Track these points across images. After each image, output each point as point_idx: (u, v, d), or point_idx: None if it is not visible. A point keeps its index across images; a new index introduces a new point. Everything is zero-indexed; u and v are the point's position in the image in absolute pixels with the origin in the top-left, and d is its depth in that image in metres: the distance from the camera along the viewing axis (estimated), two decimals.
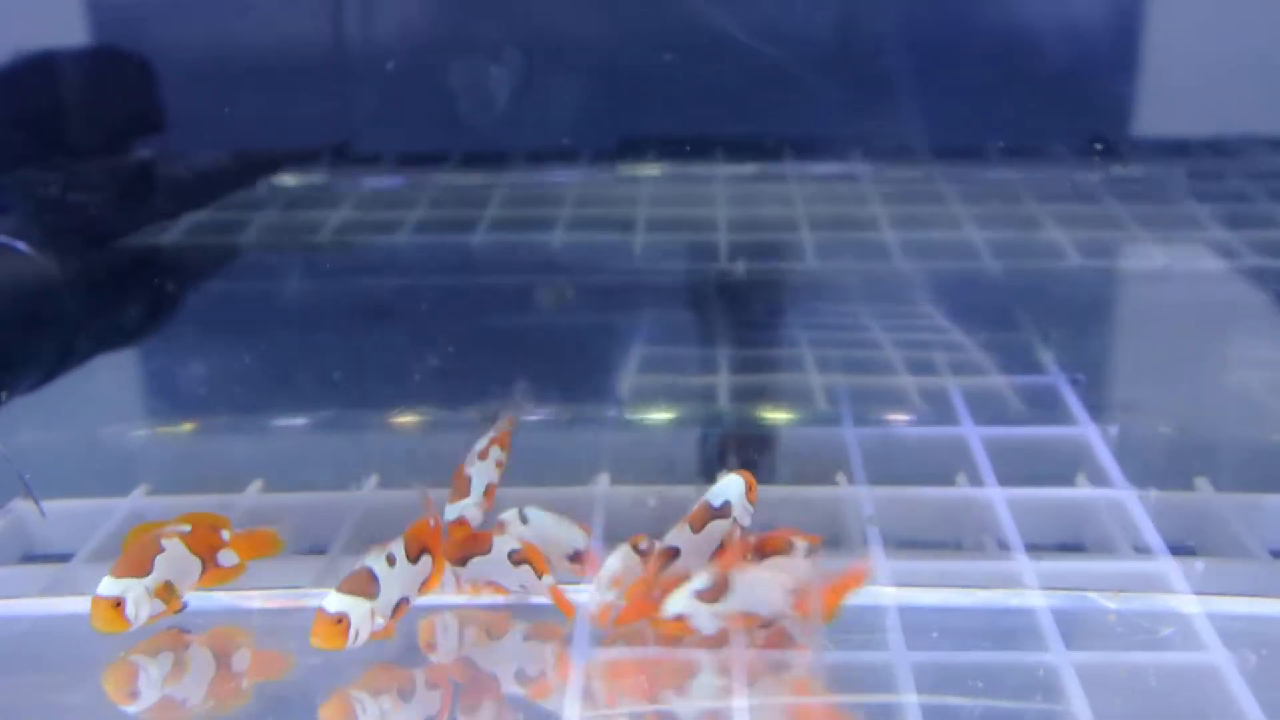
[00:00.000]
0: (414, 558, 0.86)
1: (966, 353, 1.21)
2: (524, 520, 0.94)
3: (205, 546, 0.91)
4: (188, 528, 0.91)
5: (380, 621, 0.82)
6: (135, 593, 0.86)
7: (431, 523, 0.88)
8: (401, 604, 0.85)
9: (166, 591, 0.88)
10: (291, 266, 1.39)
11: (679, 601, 0.83)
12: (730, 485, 0.90)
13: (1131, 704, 0.81)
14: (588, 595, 0.88)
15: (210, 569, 0.91)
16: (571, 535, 0.94)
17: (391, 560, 0.84)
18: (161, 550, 0.88)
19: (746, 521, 0.90)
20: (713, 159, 1.33)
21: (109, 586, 0.85)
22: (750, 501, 0.90)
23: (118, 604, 0.85)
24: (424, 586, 0.87)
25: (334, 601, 0.81)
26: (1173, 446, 1.13)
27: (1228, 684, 0.81)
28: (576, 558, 0.93)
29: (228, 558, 0.92)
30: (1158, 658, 0.85)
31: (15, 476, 1.08)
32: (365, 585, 0.82)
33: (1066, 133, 1.26)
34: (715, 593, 0.83)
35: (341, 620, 0.80)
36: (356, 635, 0.81)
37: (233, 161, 1.60)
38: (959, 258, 1.25)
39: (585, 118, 1.30)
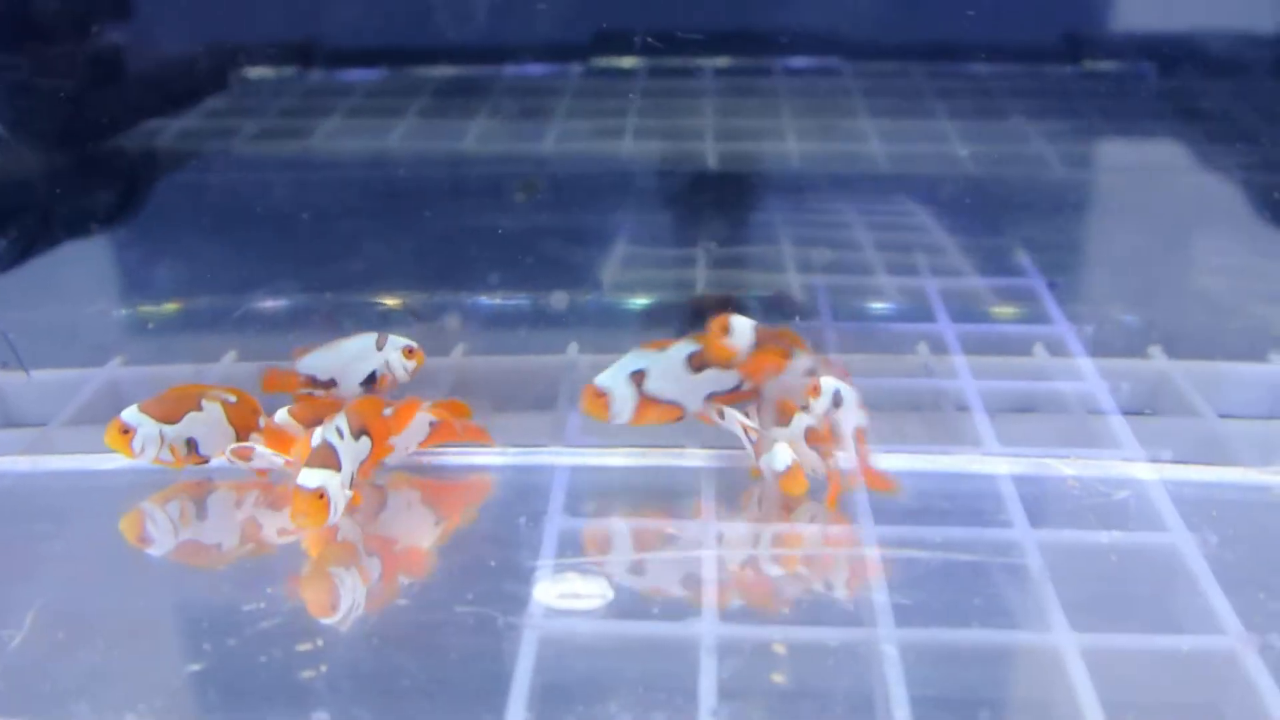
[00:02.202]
0: (355, 434, 0.85)
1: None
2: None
3: (242, 423, 0.92)
4: (234, 399, 0.92)
5: (348, 492, 0.83)
6: (147, 431, 0.89)
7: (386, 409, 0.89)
8: (354, 478, 0.85)
9: (184, 448, 0.90)
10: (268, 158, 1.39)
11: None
12: None
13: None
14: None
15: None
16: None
17: (340, 434, 0.84)
18: (199, 409, 0.91)
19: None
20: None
21: (129, 414, 0.89)
22: None
23: (126, 431, 0.89)
24: (363, 467, 0.87)
25: (312, 476, 0.81)
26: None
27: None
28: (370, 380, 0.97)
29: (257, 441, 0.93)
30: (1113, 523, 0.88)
31: None
32: (330, 457, 0.82)
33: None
34: None
35: (323, 496, 0.81)
36: (335, 508, 0.82)
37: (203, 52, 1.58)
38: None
39: None
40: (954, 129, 1.27)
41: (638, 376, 0.87)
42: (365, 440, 0.86)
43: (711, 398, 0.89)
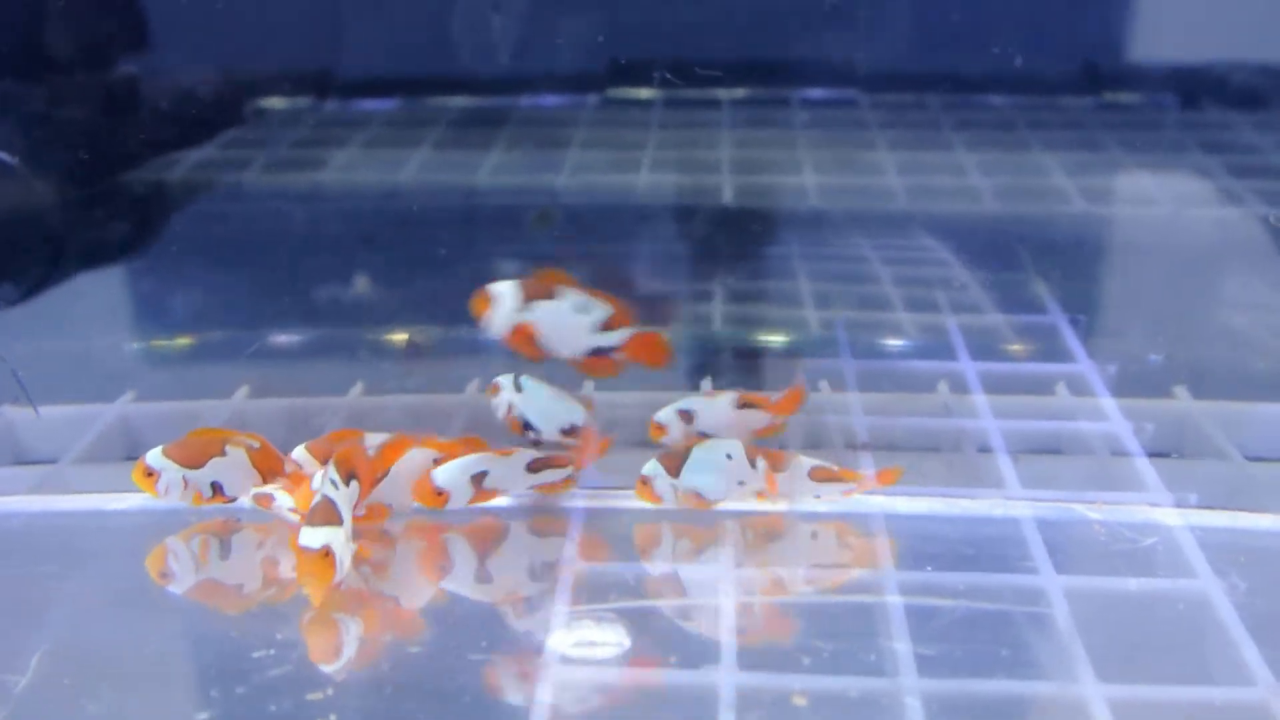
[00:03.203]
0: (345, 480, 0.84)
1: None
2: (519, 389, 0.95)
3: (267, 467, 0.91)
4: (257, 444, 0.91)
5: (352, 545, 0.82)
6: (171, 477, 0.88)
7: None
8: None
9: (208, 491, 0.90)
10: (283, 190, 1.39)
11: None
12: None
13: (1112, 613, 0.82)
14: None
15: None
16: (570, 410, 0.95)
17: (335, 484, 0.83)
18: (223, 454, 0.90)
19: None
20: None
21: (153, 458, 0.89)
22: None
23: (150, 474, 0.88)
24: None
25: (312, 536, 0.80)
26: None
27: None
28: (572, 432, 0.95)
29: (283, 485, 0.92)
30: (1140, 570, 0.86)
31: (6, 379, 1.07)
32: (330, 512, 0.81)
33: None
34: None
35: (329, 555, 0.79)
36: (341, 565, 0.80)
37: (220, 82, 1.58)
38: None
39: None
40: (973, 162, 1.27)
41: (478, 477, 0.90)
42: (354, 484, 0.85)
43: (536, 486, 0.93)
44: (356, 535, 0.84)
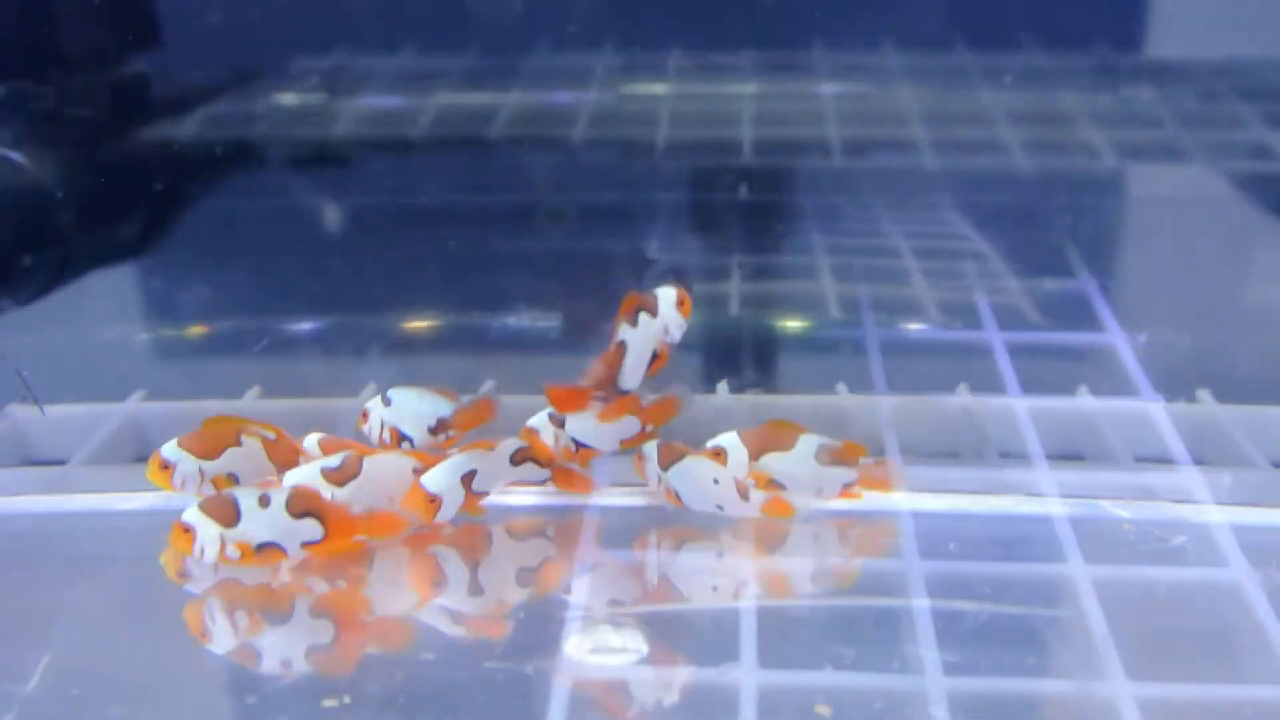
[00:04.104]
0: (295, 514, 0.82)
1: None
2: (387, 403, 0.93)
3: (282, 459, 0.90)
4: (273, 435, 0.90)
5: (233, 551, 0.81)
6: (187, 468, 0.88)
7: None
8: (269, 549, 0.82)
9: (225, 482, 0.88)
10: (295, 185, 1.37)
11: None
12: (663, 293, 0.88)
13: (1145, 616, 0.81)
14: None
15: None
16: (435, 405, 0.93)
17: (265, 501, 0.82)
18: (238, 444, 0.89)
19: (676, 336, 0.87)
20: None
21: (168, 450, 0.88)
22: (684, 315, 0.87)
23: (166, 467, 0.88)
24: (314, 548, 0.83)
25: (188, 513, 0.82)
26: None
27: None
28: (439, 427, 0.92)
29: None
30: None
31: (12, 379, 1.06)
32: (222, 511, 0.81)
33: None
34: None
35: (188, 531, 0.81)
36: (202, 552, 0.81)
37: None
38: None
39: None
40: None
41: (468, 478, 0.87)
42: (310, 523, 0.83)
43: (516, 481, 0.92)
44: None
